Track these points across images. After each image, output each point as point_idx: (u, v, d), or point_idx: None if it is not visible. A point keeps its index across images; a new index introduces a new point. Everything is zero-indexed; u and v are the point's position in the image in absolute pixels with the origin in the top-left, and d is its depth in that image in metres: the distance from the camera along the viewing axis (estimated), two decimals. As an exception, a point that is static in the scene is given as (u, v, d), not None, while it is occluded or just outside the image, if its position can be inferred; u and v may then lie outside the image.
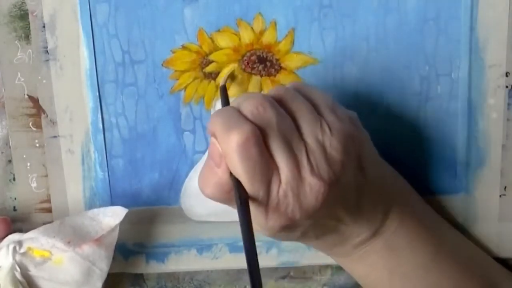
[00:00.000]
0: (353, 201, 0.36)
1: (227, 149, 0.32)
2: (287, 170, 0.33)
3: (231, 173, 0.33)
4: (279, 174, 0.33)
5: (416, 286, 0.39)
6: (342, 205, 0.35)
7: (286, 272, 0.46)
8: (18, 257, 0.40)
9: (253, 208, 0.32)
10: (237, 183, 0.32)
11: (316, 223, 0.35)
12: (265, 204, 0.33)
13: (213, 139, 0.34)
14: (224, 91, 0.40)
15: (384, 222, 0.38)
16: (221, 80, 0.41)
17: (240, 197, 0.32)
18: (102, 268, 0.41)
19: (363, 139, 0.37)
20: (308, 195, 0.33)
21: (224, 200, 0.34)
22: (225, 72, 0.41)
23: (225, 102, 0.38)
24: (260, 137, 0.32)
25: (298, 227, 0.34)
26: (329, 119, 0.34)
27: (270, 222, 0.33)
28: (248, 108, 0.33)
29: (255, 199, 0.33)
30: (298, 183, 0.33)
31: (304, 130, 0.34)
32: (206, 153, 0.43)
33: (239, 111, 0.33)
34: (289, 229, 0.34)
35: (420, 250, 0.39)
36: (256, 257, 0.30)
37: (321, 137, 0.34)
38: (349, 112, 0.37)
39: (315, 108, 0.35)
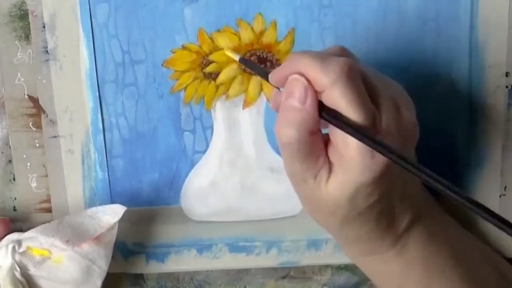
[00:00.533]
0: (407, 175, 0.35)
1: (330, 80, 0.30)
2: (387, 104, 0.32)
3: (324, 110, 0.31)
4: (380, 112, 0.32)
5: (449, 280, 0.38)
6: (405, 174, 0.34)
7: (286, 272, 0.46)
8: (17, 257, 0.40)
9: (359, 142, 0.31)
10: (339, 116, 0.31)
11: (390, 190, 0.34)
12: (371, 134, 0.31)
13: (295, 76, 0.32)
14: (246, 61, 0.38)
15: (422, 206, 0.38)
16: (234, 56, 0.38)
17: (349, 125, 0.30)
18: (101, 266, 0.41)
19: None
20: (407, 127, 0.33)
21: (304, 147, 0.32)
22: (229, 53, 0.39)
23: (258, 67, 0.36)
24: (358, 70, 0.31)
25: (388, 177, 0.33)
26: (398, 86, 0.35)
27: (376, 158, 0.31)
28: (334, 52, 0.33)
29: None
30: (396, 115, 0.32)
31: (384, 83, 0.34)
32: (207, 152, 0.43)
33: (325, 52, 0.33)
34: (386, 174, 0.32)
35: (452, 237, 0.39)
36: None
37: (400, 91, 0.35)
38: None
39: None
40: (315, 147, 0.32)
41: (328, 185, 0.33)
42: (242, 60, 0.38)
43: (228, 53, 0.39)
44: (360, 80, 0.31)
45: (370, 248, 0.37)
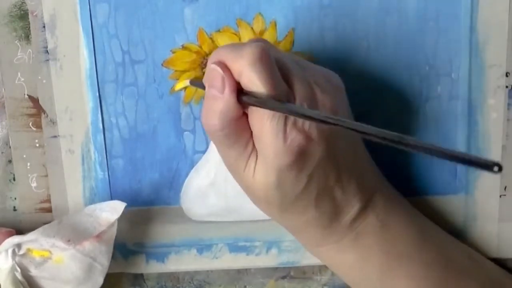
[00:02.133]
0: (350, 158, 0.36)
1: (244, 65, 0.32)
2: (301, 88, 0.33)
3: (242, 94, 0.32)
4: (293, 92, 0.33)
5: (412, 267, 0.38)
6: (343, 158, 0.35)
7: (286, 272, 0.46)
8: (18, 259, 0.40)
9: (272, 123, 0.32)
10: (256, 97, 0.32)
11: (320, 173, 0.34)
12: (283, 119, 0.32)
13: (211, 65, 0.33)
14: (195, 82, 0.39)
15: (373, 195, 0.38)
16: (186, 82, 0.40)
17: (270, 99, 0.31)
18: (103, 263, 0.41)
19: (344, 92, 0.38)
20: (322, 112, 0.33)
21: (230, 133, 0.33)
22: (183, 83, 0.41)
23: (203, 85, 0.37)
24: (271, 55, 0.32)
25: (310, 159, 0.33)
26: (320, 68, 0.36)
27: (289, 140, 0.32)
28: (252, 40, 0.34)
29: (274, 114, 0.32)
30: (312, 100, 0.33)
31: (305, 68, 0.35)
32: (207, 152, 0.43)
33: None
34: (303, 158, 0.33)
35: (411, 226, 0.39)
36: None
37: (322, 74, 0.35)
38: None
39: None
40: (241, 134, 0.33)
41: (255, 173, 0.34)
42: (192, 83, 0.40)
43: (180, 85, 0.41)
44: (273, 62, 0.32)
45: (320, 237, 0.38)
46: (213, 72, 0.33)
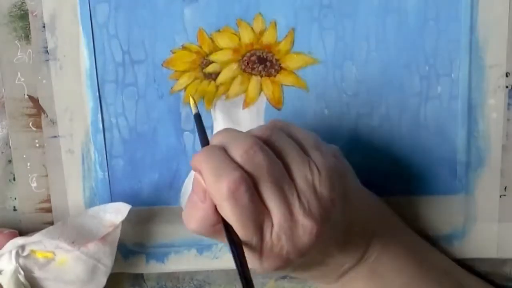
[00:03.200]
0: (342, 234, 0.36)
1: (217, 197, 0.32)
2: (279, 214, 0.33)
3: (222, 218, 0.33)
4: (271, 218, 0.33)
5: None
6: (332, 240, 0.36)
7: (286, 272, 0.46)
8: (21, 261, 0.40)
9: (247, 252, 0.33)
10: (228, 227, 0.33)
11: (306, 260, 0.35)
12: (259, 248, 0.33)
13: (196, 175, 0.34)
14: (199, 119, 0.39)
15: (368, 249, 0.38)
16: (192, 108, 0.39)
17: (233, 242, 0.32)
18: (106, 264, 0.41)
19: (347, 172, 0.37)
20: (302, 236, 0.33)
21: (210, 234, 0.34)
22: (192, 101, 0.40)
23: (202, 132, 0.38)
24: (251, 183, 0.32)
25: (291, 265, 0.34)
26: (315, 158, 0.34)
27: (265, 265, 0.33)
28: (237, 151, 0.33)
29: (248, 244, 0.33)
30: (291, 225, 0.33)
31: (294, 171, 0.33)
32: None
33: (227, 154, 0.33)
34: (283, 268, 0.34)
35: (404, 271, 0.39)
36: None
37: (310, 177, 0.33)
38: (332, 146, 0.37)
39: (300, 148, 0.35)
40: (220, 233, 0.34)
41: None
42: (196, 116, 0.39)
43: (191, 101, 0.40)
44: (251, 196, 0.32)
45: (315, 281, 0.41)
46: (198, 183, 0.34)
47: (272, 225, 0.33)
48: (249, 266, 0.32)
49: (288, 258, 0.33)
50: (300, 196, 0.33)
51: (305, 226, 0.33)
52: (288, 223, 0.33)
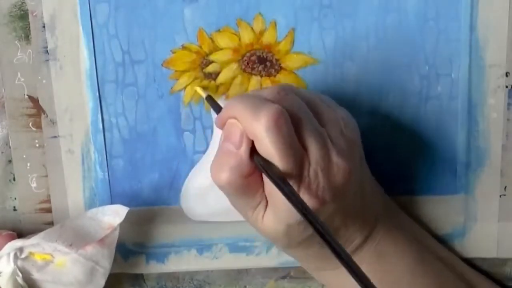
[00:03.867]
0: (358, 199, 0.36)
1: (258, 130, 0.31)
2: (316, 151, 0.33)
3: (256, 155, 0.32)
4: (308, 156, 0.33)
5: None
6: (351, 200, 0.35)
7: (286, 272, 0.46)
8: (19, 263, 0.40)
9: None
10: (267, 165, 0.32)
11: (327, 221, 0.35)
12: (298, 183, 0.32)
13: (231, 120, 0.33)
14: (211, 99, 0.39)
15: (373, 229, 0.39)
16: (202, 94, 0.40)
17: (278, 177, 0.31)
18: (105, 266, 0.41)
19: (360, 140, 0.37)
20: (337, 175, 0.33)
21: (239, 188, 0.33)
22: (198, 90, 0.41)
23: (219, 107, 0.38)
24: (288, 116, 0.32)
25: (324, 209, 0.34)
26: (340, 113, 0.35)
27: None
28: (269, 93, 0.33)
29: (288, 179, 0.32)
30: (326, 163, 0.33)
31: (324, 116, 0.34)
32: (207, 152, 0.43)
33: (260, 96, 0.33)
34: (317, 210, 0.33)
35: (407, 254, 0.39)
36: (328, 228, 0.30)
37: (338, 122, 0.35)
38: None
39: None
40: (250, 187, 0.33)
41: (264, 220, 0.34)
42: (208, 98, 0.39)
43: (198, 90, 0.40)
44: (290, 128, 0.32)
45: (319, 265, 0.40)
46: (232, 127, 0.33)
47: (309, 162, 0.33)
48: (286, 201, 0.31)
49: (323, 198, 0.33)
50: (332, 138, 0.34)
51: (340, 165, 0.33)
52: (324, 161, 0.33)
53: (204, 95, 0.40)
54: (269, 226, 0.34)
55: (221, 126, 0.34)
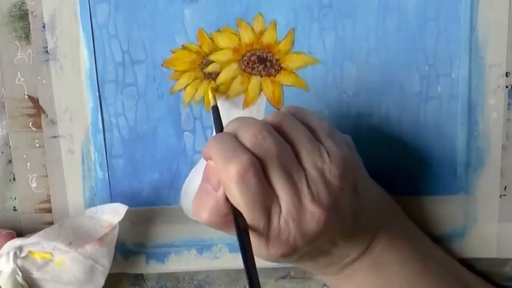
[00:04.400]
0: (349, 225, 0.36)
1: (226, 180, 0.32)
2: (287, 199, 0.33)
3: (229, 202, 0.33)
4: (279, 203, 0.33)
5: None
6: (339, 229, 0.35)
7: (286, 272, 0.46)
8: (19, 262, 0.40)
9: (253, 238, 0.33)
10: (235, 212, 0.33)
11: (312, 248, 0.35)
12: (266, 233, 0.33)
13: (209, 162, 0.34)
14: (216, 111, 0.39)
15: (373, 241, 0.38)
16: (211, 100, 0.40)
17: (240, 227, 0.32)
18: (104, 264, 0.41)
19: (357, 164, 0.37)
20: (310, 223, 0.33)
21: (221, 225, 0.34)
22: (210, 94, 0.41)
23: (219, 122, 0.38)
24: (259, 167, 0.32)
25: (297, 253, 0.34)
26: (327, 145, 0.34)
27: (272, 251, 0.33)
28: (246, 136, 0.33)
29: (255, 229, 0.33)
30: (299, 211, 0.33)
31: (304, 158, 0.33)
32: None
33: (237, 139, 0.33)
34: (289, 256, 0.34)
35: (407, 265, 0.39)
36: (258, 282, 0.30)
37: (321, 164, 0.34)
38: (345, 136, 0.37)
39: (313, 134, 0.35)
40: (229, 224, 0.34)
41: (254, 249, 0.34)
42: (214, 109, 0.39)
43: (210, 94, 0.41)
44: (259, 180, 0.32)
45: (318, 272, 0.41)
46: (211, 170, 0.33)
47: (280, 210, 0.33)
48: (256, 252, 0.32)
49: (295, 245, 0.33)
50: (309, 182, 0.33)
51: (313, 213, 0.33)
52: (296, 209, 0.33)
53: (212, 102, 0.40)
54: (260, 255, 0.34)
55: (205, 159, 0.35)
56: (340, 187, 0.34)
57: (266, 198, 0.32)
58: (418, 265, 0.40)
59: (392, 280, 0.39)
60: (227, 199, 0.33)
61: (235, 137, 0.33)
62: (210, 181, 0.34)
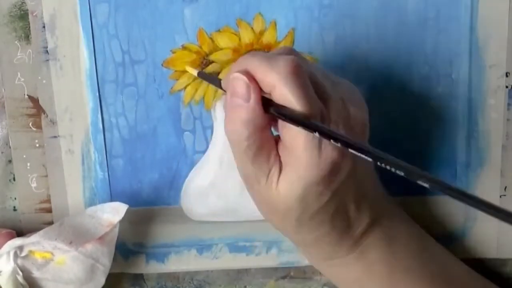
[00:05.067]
0: (367, 179, 0.36)
1: (275, 78, 0.31)
2: (335, 103, 0.32)
3: (271, 106, 0.31)
4: (327, 105, 0.32)
5: (415, 283, 0.38)
6: (362, 177, 0.35)
7: (286, 272, 0.46)
8: (19, 261, 0.40)
9: (308, 137, 0.31)
10: (287, 111, 0.31)
11: (343, 189, 0.34)
12: (327, 120, 0.32)
13: (235, 74, 0.32)
14: (203, 74, 0.38)
15: (381, 213, 0.38)
16: (193, 72, 0.39)
17: (303, 115, 0.30)
18: (105, 263, 0.41)
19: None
20: (355, 127, 0.33)
21: (253, 145, 0.32)
22: (188, 69, 0.40)
23: (214, 79, 0.37)
24: (305, 68, 0.32)
25: (338, 175, 0.33)
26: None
27: (323, 155, 0.32)
28: (282, 51, 0.33)
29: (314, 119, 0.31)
30: (345, 114, 0.33)
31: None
32: (207, 152, 0.43)
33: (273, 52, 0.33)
34: (333, 173, 0.33)
35: (415, 242, 0.39)
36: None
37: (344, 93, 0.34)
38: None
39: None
40: (264, 145, 0.32)
41: (279, 185, 0.33)
42: (200, 74, 0.38)
43: (188, 69, 0.40)
44: (307, 77, 0.32)
45: (329, 252, 0.37)
46: (237, 81, 0.32)
47: (330, 113, 0.32)
48: (307, 161, 0.31)
49: (344, 151, 0.32)
50: (346, 93, 0.34)
51: (357, 117, 0.33)
52: (343, 111, 0.33)
53: (195, 72, 0.38)
54: (284, 193, 0.33)
55: (232, 78, 0.33)
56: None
57: (316, 98, 0.32)
58: (424, 243, 0.40)
59: (404, 255, 0.38)
60: (262, 109, 0.31)
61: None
62: (237, 93, 0.32)
